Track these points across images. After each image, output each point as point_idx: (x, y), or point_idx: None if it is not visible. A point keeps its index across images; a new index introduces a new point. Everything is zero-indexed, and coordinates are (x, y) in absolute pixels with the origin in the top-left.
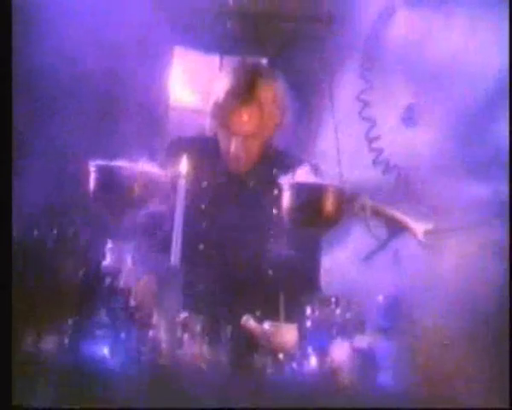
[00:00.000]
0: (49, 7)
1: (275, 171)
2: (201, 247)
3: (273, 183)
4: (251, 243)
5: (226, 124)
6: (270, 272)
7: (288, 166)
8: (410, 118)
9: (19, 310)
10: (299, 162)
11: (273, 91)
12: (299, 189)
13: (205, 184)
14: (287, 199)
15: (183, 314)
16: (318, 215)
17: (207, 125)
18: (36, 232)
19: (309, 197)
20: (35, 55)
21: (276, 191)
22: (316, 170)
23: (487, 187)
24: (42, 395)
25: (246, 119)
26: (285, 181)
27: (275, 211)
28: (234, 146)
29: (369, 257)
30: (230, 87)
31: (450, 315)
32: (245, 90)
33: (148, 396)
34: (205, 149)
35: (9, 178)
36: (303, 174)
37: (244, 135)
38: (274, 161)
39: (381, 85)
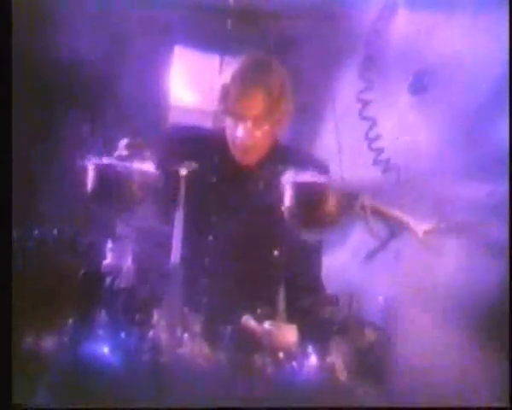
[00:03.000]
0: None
1: (280, 168)
2: (202, 245)
3: (278, 180)
4: (253, 242)
5: (233, 108)
6: (272, 270)
7: (294, 163)
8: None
9: (19, 310)
10: (306, 160)
11: (282, 80)
12: (301, 187)
13: (215, 175)
14: (289, 197)
15: (183, 313)
16: (322, 213)
17: (215, 114)
18: (36, 232)
19: (313, 195)
20: (34, 58)
21: (280, 189)
22: (323, 168)
23: (487, 187)
24: (42, 395)
25: (253, 101)
26: (288, 179)
27: (279, 209)
28: (241, 132)
29: (369, 257)
30: (239, 70)
31: (450, 315)
32: (254, 72)
33: (148, 396)
34: (209, 145)
35: (9, 178)
36: (307, 173)
37: (252, 119)
38: (280, 158)
39: (381, 85)
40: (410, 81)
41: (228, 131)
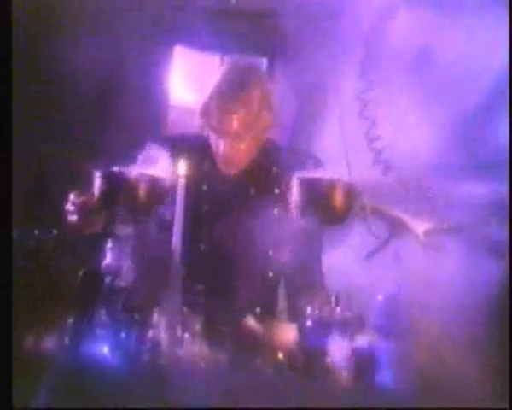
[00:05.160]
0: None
1: (275, 169)
2: (202, 246)
3: (273, 182)
4: (252, 243)
5: (214, 125)
6: (271, 271)
7: (290, 163)
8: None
9: (19, 310)
10: (302, 158)
11: (262, 91)
12: (301, 187)
13: (205, 183)
14: (288, 197)
15: (183, 314)
16: (322, 213)
17: (199, 125)
18: (36, 232)
19: (312, 195)
20: (35, 59)
21: (276, 190)
22: (319, 165)
23: (487, 187)
24: (42, 395)
25: (232, 118)
26: (286, 179)
27: (276, 210)
28: (223, 148)
29: (369, 256)
30: (218, 87)
31: (450, 315)
32: (231, 89)
33: (148, 396)
34: (203, 150)
35: (9, 179)
36: (305, 173)
37: (231, 135)
38: (274, 159)
39: (381, 85)
40: (414, 57)
41: (212, 144)
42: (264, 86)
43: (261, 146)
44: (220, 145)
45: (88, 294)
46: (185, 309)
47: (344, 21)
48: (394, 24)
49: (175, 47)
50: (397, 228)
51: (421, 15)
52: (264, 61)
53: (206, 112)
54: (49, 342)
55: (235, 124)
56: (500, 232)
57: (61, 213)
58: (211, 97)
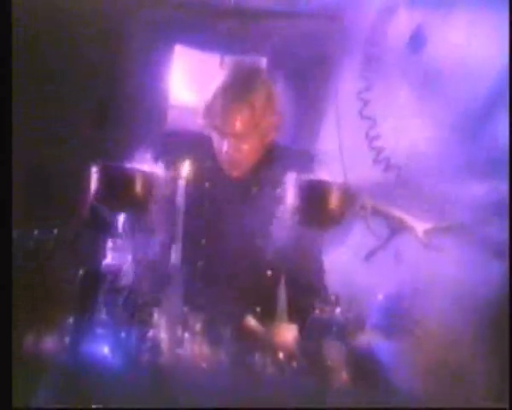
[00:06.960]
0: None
1: (278, 170)
2: (202, 245)
3: (275, 182)
4: (252, 242)
5: (217, 124)
6: (270, 271)
7: (291, 163)
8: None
9: (19, 310)
10: (303, 159)
11: (267, 92)
12: (302, 187)
13: (206, 183)
14: (290, 197)
15: (184, 313)
16: (322, 213)
17: (202, 125)
18: (36, 232)
19: (313, 195)
20: (35, 59)
21: (278, 190)
22: (322, 166)
23: (487, 186)
24: (42, 395)
25: (236, 119)
26: (288, 179)
27: (277, 210)
28: (226, 148)
29: (369, 256)
30: (222, 87)
31: (450, 315)
32: (236, 89)
33: (148, 396)
34: (205, 150)
35: (9, 179)
36: (306, 173)
37: (235, 136)
38: (275, 160)
39: (381, 84)
40: (407, 40)
41: (215, 145)
42: (269, 87)
43: (265, 147)
44: (223, 146)
45: (88, 293)
46: (185, 309)
47: (344, 21)
48: (394, 23)
49: (175, 47)
50: (397, 227)
51: (421, 15)
52: (264, 61)
53: (209, 112)
54: (49, 342)
55: (238, 124)
56: (500, 232)
57: (61, 213)
58: (215, 97)
